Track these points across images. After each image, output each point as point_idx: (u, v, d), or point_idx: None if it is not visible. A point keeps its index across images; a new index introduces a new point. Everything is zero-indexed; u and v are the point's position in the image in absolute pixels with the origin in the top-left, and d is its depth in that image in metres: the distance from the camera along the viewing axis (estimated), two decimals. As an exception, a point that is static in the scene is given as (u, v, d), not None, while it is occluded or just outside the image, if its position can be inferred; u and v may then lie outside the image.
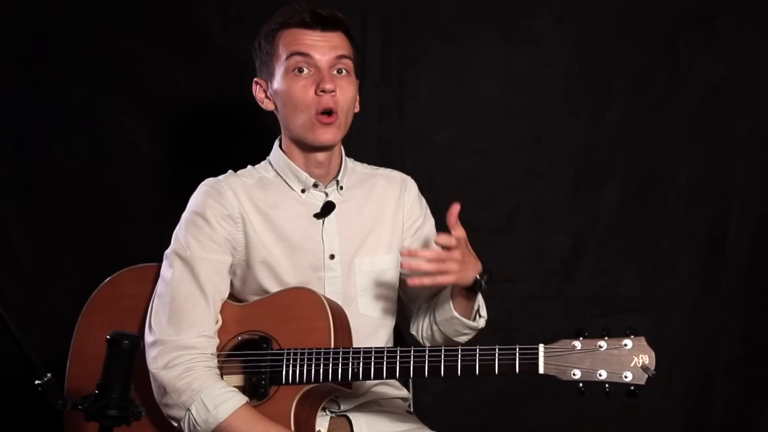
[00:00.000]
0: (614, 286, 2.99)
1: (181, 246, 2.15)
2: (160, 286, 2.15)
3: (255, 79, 2.28)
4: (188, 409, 2.04)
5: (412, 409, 2.40)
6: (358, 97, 2.26)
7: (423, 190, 2.41)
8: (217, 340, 2.13)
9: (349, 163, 2.34)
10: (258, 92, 2.28)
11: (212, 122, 2.98)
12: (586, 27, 2.97)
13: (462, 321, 2.21)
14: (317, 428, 2.13)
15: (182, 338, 2.08)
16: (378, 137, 2.93)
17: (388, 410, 2.30)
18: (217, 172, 2.27)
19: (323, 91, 2.13)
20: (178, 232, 2.18)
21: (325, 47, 2.15)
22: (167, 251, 2.17)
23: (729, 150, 2.98)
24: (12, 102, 2.96)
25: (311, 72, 2.16)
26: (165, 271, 2.15)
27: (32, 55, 2.95)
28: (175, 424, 2.08)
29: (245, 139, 2.79)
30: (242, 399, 2.06)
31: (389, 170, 2.40)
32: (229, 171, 2.28)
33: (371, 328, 2.23)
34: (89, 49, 2.96)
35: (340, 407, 2.24)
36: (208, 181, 2.24)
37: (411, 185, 2.38)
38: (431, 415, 2.38)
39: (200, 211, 2.17)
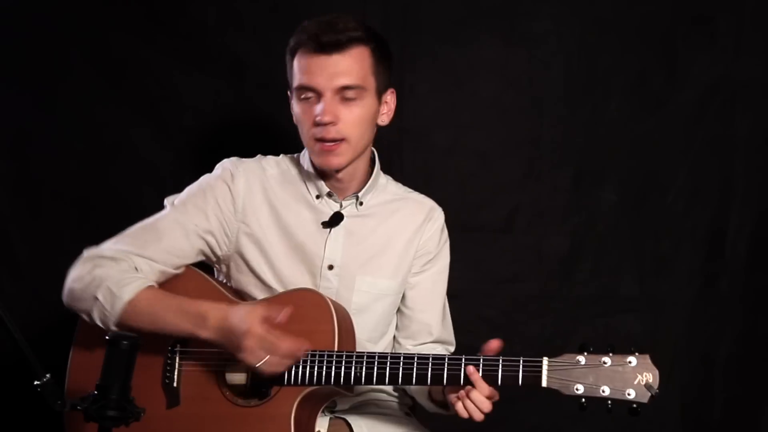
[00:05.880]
0: (613, 286, 2.99)
1: (179, 199, 2.22)
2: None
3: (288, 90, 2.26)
4: (95, 297, 2.07)
5: (411, 412, 2.40)
6: (386, 109, 2.22)
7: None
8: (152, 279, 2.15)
9: (382, 180, 2.33)
10: (290, 101, 2.26)
11: (212, 123, 2.98)
12: (585, 27, 2.97)
13: (426, 401, 2.21)
14: (317, 428, 2.14)
15: (129, 250, 2.14)
16: (377, 137, 2.93)
17: (388, 412, 2.31)
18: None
19: (318, 123, 2.12)
20: (184, 191, 2.25)
21: (327, 74, 2.10)
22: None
23: (728, 150, 2.98)
24: (12, 102, 2.96)
25: (315, 97, 2.13)
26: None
27: (32, 55, 2.95)
28: (87, 318, 2.11)
29: (245, 139, 2.80)
30: (148, 282, 2.09)
31: (422, 196, 2.37)
32: (258, 156, 2.31)
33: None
34: (89, 50, 2.96)
35: (336, 405, 2.24)
36: (230, 161, 2.27)
37: (438, 216, 2.35)
38: (431, 415, 2.38)
39: (208, 185, 2.23)
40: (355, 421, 2.24)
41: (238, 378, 2.13)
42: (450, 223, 2.37)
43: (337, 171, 2.20)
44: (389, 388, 2.34)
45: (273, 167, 2.29)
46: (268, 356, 1.98)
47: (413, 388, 2.26)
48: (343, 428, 2.23)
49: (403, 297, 2.32)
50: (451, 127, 2.99)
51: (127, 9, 2.96)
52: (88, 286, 2.11)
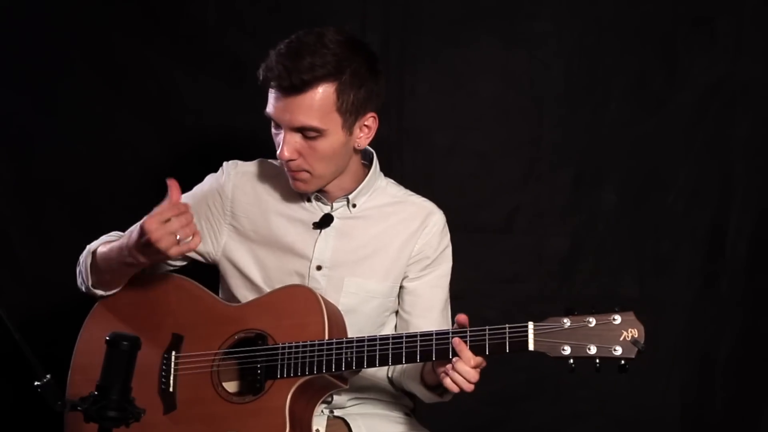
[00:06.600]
0: (613, 286, 2.99)
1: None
2: None
3: None
4: (78, 263, 2.28)
5: (412, 414, 2.39)
6: (364, 134, 2.18)
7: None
8: None
9: (381, 182, 2.31)
10: None
11: (212, 123, 2.98)
12: (585, 27, 2.97)
13: (419, 387, 2.20)
14: (315, 427, 2.14)
15: None
16: (377, 137, 2.92)
17: (388, 413, 2.31)
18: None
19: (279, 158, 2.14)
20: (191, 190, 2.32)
21: (286, 114, 2.08)
22: None
23: (728, 150, 2.98)
24: (12, 103, 2.97)
25: (280, 130, 2.13)
26: None
27: (32, 56, 2.95)
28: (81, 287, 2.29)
29: (245, 140, 2.80)
30: (116, 236, 2.24)
31: (423, 199, 2.32)
32: (259, 159, 2.32)
33: None
34: (89, 50, 2.97)
35: (334, 403, 2.25)
36: (228, 164, 2.31)
37: (436, 221, 2.28)
38: (431, 416, 2.38)
39: (202, 188, 2.31)
40: (353, 421, 2.24)
41: (232, 376, 2.15)
42: (450, 223, 2.36)
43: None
44: (389, 388, 2.34)
45: (269, 170, 2.30)
46: (164, 224, 2.05)
47: (407, 378, 2.25)
48: (341, 428, 2.24)
49: (402, 301, 2.31)
50: (451, 127, 2.99)
51: (128, 9, 2.97)
52: (78, 262, 2.29)
